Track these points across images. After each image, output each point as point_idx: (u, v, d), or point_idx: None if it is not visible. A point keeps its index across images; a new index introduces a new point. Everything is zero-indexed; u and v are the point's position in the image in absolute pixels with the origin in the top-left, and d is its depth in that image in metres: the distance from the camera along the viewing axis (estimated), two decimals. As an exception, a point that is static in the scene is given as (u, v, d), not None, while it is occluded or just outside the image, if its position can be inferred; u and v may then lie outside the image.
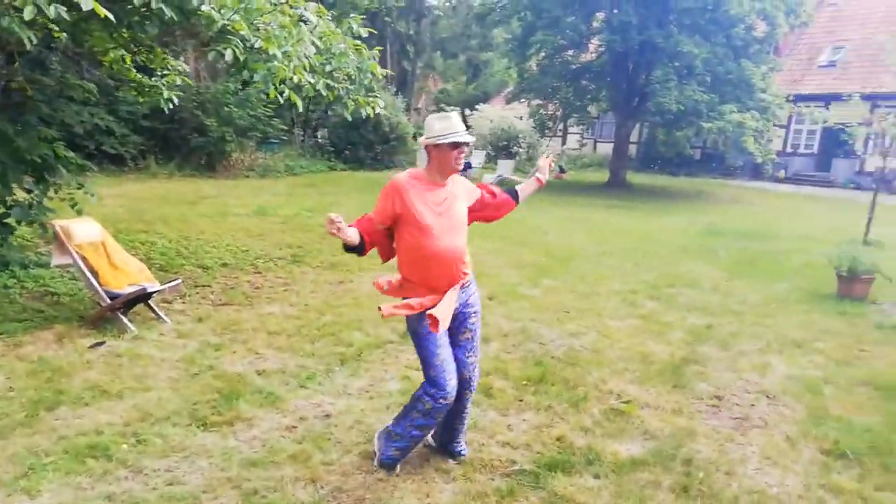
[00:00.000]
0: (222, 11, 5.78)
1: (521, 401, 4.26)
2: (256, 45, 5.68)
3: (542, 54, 20.40)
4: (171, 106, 7.22)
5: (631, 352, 5.27)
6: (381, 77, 7.47)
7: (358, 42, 6.90)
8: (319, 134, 25.57)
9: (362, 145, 22.47)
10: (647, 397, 4.37)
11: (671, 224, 13.07)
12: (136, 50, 6.89)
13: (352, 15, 7.08)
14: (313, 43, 6.46)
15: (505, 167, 20.44)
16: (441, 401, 3.12)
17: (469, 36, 36.49)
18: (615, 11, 17.74)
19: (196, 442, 3.54)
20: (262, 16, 5.89)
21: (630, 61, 19.22)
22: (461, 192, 3.28)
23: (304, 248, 8.90)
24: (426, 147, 3.12)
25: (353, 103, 7.22)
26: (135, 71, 7.09)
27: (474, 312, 3.34)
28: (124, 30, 5.92)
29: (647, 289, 7.41)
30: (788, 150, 26.19)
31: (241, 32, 5.75)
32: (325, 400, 4.20)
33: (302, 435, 3.68)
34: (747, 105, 17.14)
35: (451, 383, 3.14)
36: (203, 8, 5.51)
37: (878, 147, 19.11)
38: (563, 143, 31.26)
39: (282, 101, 6.21)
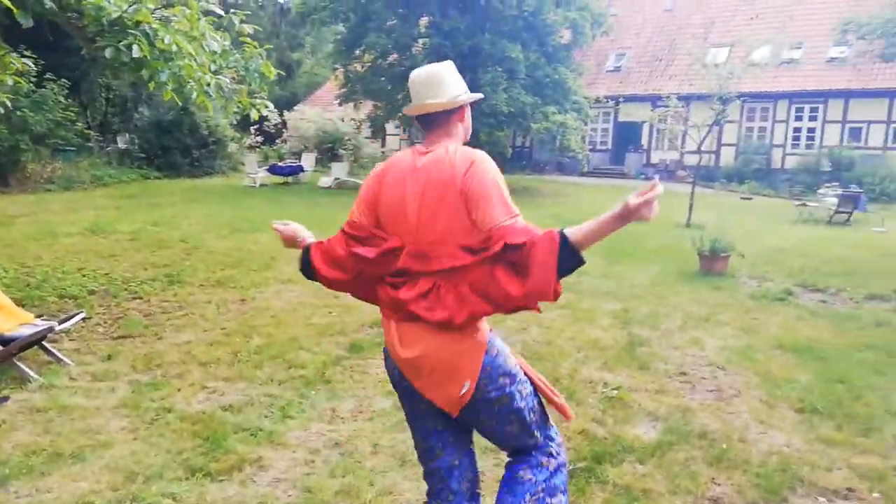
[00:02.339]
0: (112, 2, 5.02)
1: (518, 400, 4.24)
2: (167, 41, 5.00)
3: (371, 56, 20.37)
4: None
5: (580, 340, 5.49)
6: (272, 77, 6.97)
7: (248, 39, 6.36)
8: (120, 139, 23.05)
9: (178, 150, 20.66)
10: (627, 381, 4.58)
11: (530, 217, 13.78)
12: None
13: (232, 11, 6.48)
14: (214, 39, 5.87)
15: (339, 170, 20.06)
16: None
17: (278, 35, 35.14)
18: (442, 17, 18.26)
19: (218, 496, 3.03)
20: (170, 6, 5.20)
21: (456, 65, 19.87)
22: None
23: (173, 266, 7.98)
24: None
25: (237, 105, 6.66)
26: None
27: (507, 393, 2.11)
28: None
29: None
30: (588, 146, 28.96)
31: (144, 25, 5.03)
32: (323, 428, 3.82)
33: (330, 469, 3.32)
34: (565, 107, 18.68)
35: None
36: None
37: (677, 141, 21.93)
38: (383, 145, 31.46)
39: (190, 105, 5.54)
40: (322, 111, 27.84)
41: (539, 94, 18.59)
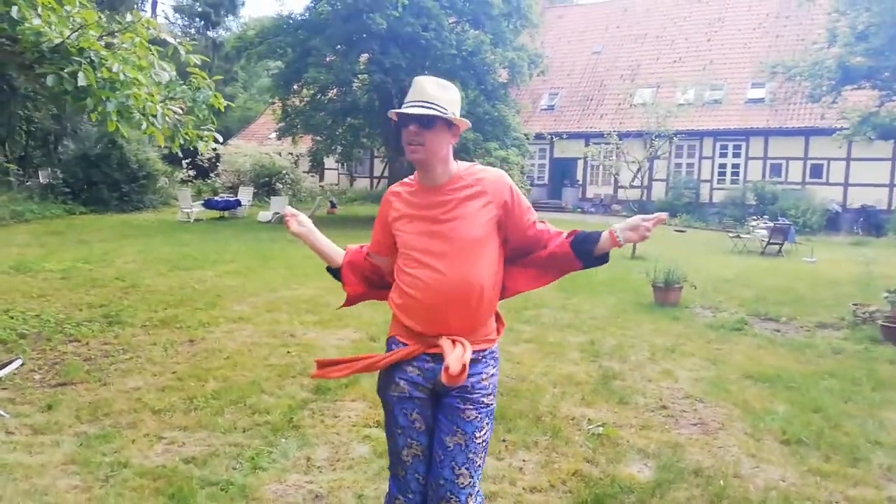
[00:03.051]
0: (53, 27, 4.71)
1: (503, 441, 4.05)
2: (115, 69, 4.69)
3: (310, 91, 20.17)
4: None
5: (553, 375, 5.36)
6: (222, 109, 6.70)
7: (196, 70, 6.09)
8: (42, 174, 21.85)
9: (105, 185, 19.71)
10: (609, 417, 4.47)
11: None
12: None
13: (178, 40, 6.20)
14: (163, 69, 5.58)
15: (279, 204, 19.56)
16: None
17: (211, 69, 34.47)
18: (383, 54, 18.28)
19: (194, 566, 2.69)
20: (120, 34, 4.89)
21: (397, 100, 19.93)
22: (482, 200, 2.13)
23: (110, 306, 7.44)
24: None
25: (183, 137, 6.34)
26: None
27: (474, 403, 2.13)
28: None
29: (509, 313, 7.64)
30: (527, 180, 29.48)
31: (90, 52, 4.72)
32: (300, 479, 3.51)
33: (316, 526, 3.02)
34: (506, 143, 18.95)
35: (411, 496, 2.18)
36: (35, 22, 4.45)
37: (618, 175, 22.48)
38: (321, 179, 31.08)
39: (130, 137, 5.20)
40: (258, 145, 27.31)
41: (480, 131, 18.79)
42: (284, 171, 25.16)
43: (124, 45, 4.86)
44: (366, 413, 4.48)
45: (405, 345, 2.17)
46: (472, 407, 2.11)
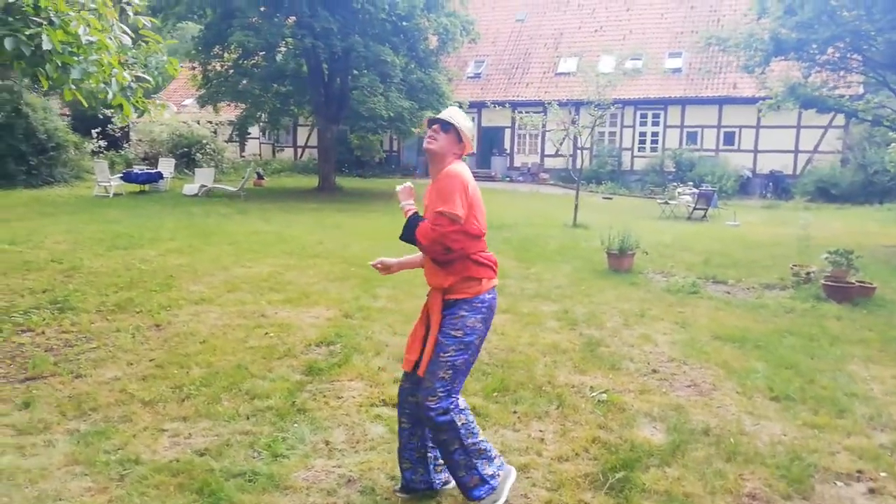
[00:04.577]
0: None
1: (514, 412, 4.10)
2: (83, 31, 4.32)
3: (233, 56, 19.23)
4: None
5: (540, 345, 5.46)
6: (176, 75, 6.31)
7: (149, 32, 5.69)
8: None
9: (11, 157, 18.17)
10: (607, 383, 4.61)
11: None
12: None
13: (125, 1, 5.75)
14: (123, 31, 5.20)
15: (204, 176, 18.68)
16: None
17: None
18: (312, 17, 17.61)
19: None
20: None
21: (328, 67, 19.35)
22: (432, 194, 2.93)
23: (55, 291, 6.93)
24: None
25: (133, 106, 5.94)
26: None
27: (446, 337, 2.89)
28: None
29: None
30: (456, 150, 29.43)
31: (50, 12, 4.33)
32: (327, 464, 3.44)
33: (361, 511, 2.98)
34: (440, 111, 18.76)
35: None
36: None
37: (560, 144, 22.71)
38: (242, 149, 29.89)
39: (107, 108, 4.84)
40: (172, 114, 25.86)
41: (415, 99, 18.57)
42: (205, 141, 24.00)
43: (92, 5, 4.45)
44: (368, 392, 4.42)
45: None
46: (441, 336, 2.91)
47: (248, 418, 3.99)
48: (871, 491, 3.25)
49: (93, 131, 23.95)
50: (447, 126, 2.93)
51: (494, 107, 22.43)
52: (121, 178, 18.15)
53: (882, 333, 6.04)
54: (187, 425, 3.87)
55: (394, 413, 4.04)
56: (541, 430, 3.87)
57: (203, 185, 17.93)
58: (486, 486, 2.93)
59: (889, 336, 5.95)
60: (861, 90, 18.81)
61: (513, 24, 31.52)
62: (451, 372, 2.89)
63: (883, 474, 3.37)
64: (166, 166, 19.94)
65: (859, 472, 3.40)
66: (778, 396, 4.38)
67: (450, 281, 2.93)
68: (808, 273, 7.85)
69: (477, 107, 27.62)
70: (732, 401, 4.32)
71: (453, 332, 2.90)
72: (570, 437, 3.75)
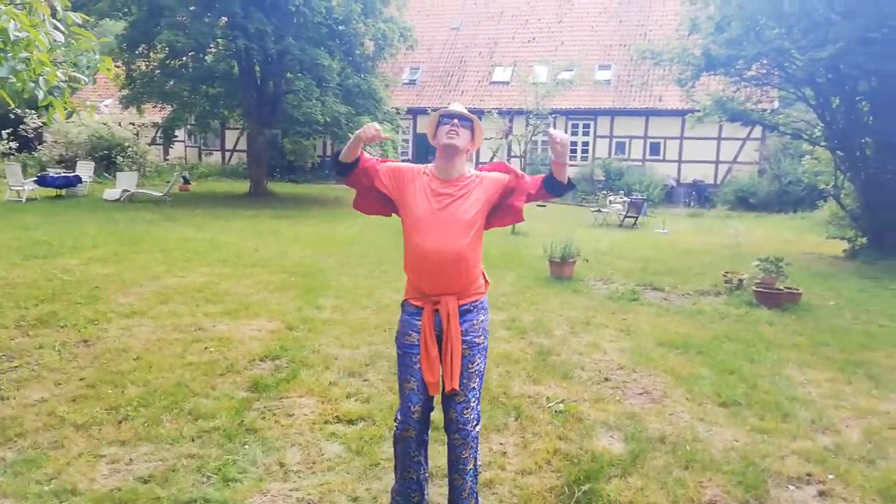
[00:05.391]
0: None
1: (473, 426, 4.03)
2: (13, 26, 4.01)
3: (159, 55, 18.46)
4: None
5: (492, 355, 5.39)
6: (111, 76, 5.99)
7: (80, 29, 5.35)
8: None
9: None
10: (561, 393, 4.61)
11: (361, 228, 13.48)
12: None
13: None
14: (56, 27, 4.87)
15: (127, 181, 17.77)
16: (398, 427, 2.86)
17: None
18: (245, 18, 17.12)
19: None
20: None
21: (261, 69, 18.84)
22: (476, 194, 2.81)
23: (-35, 303, 6.42)
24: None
25: (64, 106, 5.58)
26: None
27: (471, 347, 2.82)
28: None
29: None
30: (400, 157, 29.31)
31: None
32: (283, 488, 3.27)
33: (324, 538, 2.83)
34: (378, 117, 18.64)
35: (413, 409, 2.81)
36: None
37: (500, 152, 22.89)
38: (167, 153, 28.71)
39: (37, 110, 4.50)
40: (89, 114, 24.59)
41: (351, 104, 18.32)
42: (127, 144, 22.92)
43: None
44: (320, 408, 4.26)
45: (418, 307, 2.90)
46: (465, 346, 2.80)
47: (193, 440, 3.76)
48: (822, 494, 3.37)
49: (3, 132, 22.47)
50: (466, 121, 2.84)
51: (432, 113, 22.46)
52: (35, 181, 17.07)
53: (811, 338, 6.32)
54: (127, 450, 3.61)
55: (350, 431, 3.93)
56: (501, 444, 3.82)
57: (126, 190, 17.08)
58: None
59: (818, 340, 6.24)
60: (776, 104, 19.88)
61: (448, 32, 31.68)
62: (478, 380, 2.86)
63: (831, 476, 3.50)
64: (85, 170, 18.89)
65: (808, 474, 3.52)
66: (725, 402, 4.49)
67: (473, 276, 2.86)
68: (739, 280, 8.17)
69: (413, 113, 27.59)
70: (683, 407, 4.41)
71: (477, 340, 2.85)
72: (532, 450, 3.72)
